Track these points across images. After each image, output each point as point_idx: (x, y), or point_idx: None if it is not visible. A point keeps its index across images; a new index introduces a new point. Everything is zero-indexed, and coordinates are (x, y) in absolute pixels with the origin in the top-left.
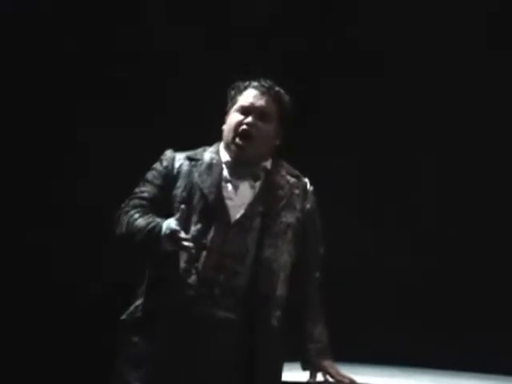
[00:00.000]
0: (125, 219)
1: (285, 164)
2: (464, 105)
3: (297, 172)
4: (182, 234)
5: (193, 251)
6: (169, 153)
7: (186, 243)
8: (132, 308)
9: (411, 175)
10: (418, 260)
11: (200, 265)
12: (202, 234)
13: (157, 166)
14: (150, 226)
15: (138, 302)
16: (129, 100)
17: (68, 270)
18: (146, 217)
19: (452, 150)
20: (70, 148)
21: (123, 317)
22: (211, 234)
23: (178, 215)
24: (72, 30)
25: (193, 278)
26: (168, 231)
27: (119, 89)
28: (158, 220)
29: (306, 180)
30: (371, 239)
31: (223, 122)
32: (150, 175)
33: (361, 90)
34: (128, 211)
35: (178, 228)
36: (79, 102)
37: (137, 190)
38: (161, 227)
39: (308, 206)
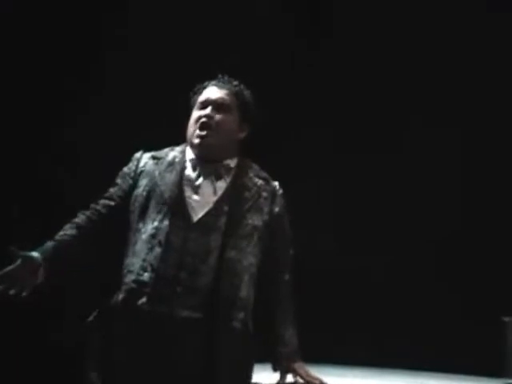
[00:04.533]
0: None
1: (253, 165)
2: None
3: (265, 174)
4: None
5: None
6: (138, 154)
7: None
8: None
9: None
10: (385, 258)
11: (156, 262)
12: (159, 231)
13: (124, 167)
14: None
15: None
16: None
17: None
18: (66, 230)
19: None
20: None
21: (89, 318)
22: (169, 231)
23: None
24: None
25: (149, 276)
26: None
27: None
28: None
29: (276, 183)
30: (341, 239)
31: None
32: (118, 177)
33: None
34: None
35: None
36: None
37: (108, 189)
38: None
39: (276, 209)
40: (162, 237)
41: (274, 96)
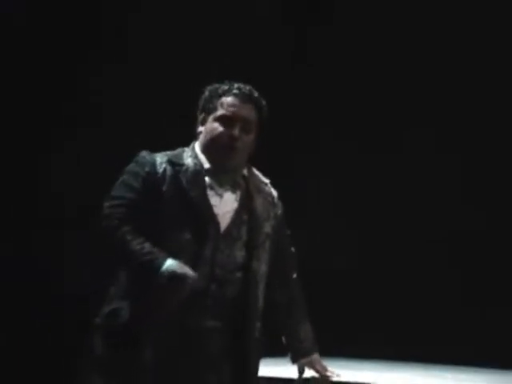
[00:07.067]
0: (117, 236)
1: (254, 170)
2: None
3: (265, 178)
4: (188, 281)
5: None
6: (147, 156)
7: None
8: (107, 311)
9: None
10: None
11: None
12: (196, 243)
13: (136, 169)
14: (147, 258)
15: (115, 305)
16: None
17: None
18: (138, 240)
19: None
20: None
21: (97, 320)
22: (201, 243)
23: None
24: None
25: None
26: (169, 272)
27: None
28: (157, 254)
29: (269, 184)
30: (357, 239)
31: (196, 120)
32: (130, 179)
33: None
34: (118, 226)
35: (186, 274)
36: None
37: (118, 193)
38: (160, 264)
39: (279, 211)
40: (194, 249)
41: (273, 96)
